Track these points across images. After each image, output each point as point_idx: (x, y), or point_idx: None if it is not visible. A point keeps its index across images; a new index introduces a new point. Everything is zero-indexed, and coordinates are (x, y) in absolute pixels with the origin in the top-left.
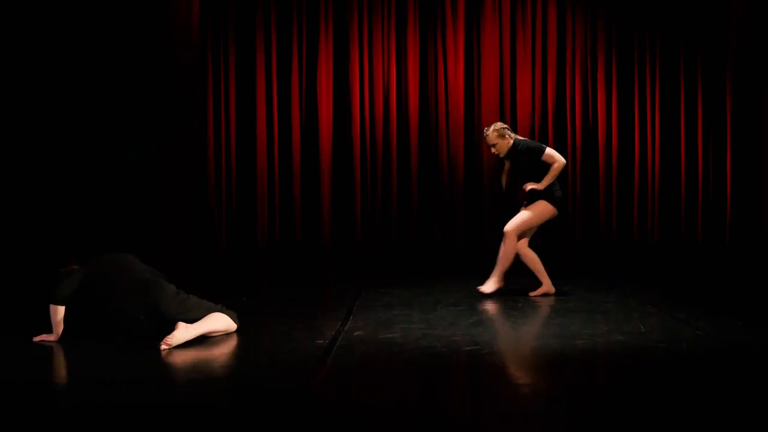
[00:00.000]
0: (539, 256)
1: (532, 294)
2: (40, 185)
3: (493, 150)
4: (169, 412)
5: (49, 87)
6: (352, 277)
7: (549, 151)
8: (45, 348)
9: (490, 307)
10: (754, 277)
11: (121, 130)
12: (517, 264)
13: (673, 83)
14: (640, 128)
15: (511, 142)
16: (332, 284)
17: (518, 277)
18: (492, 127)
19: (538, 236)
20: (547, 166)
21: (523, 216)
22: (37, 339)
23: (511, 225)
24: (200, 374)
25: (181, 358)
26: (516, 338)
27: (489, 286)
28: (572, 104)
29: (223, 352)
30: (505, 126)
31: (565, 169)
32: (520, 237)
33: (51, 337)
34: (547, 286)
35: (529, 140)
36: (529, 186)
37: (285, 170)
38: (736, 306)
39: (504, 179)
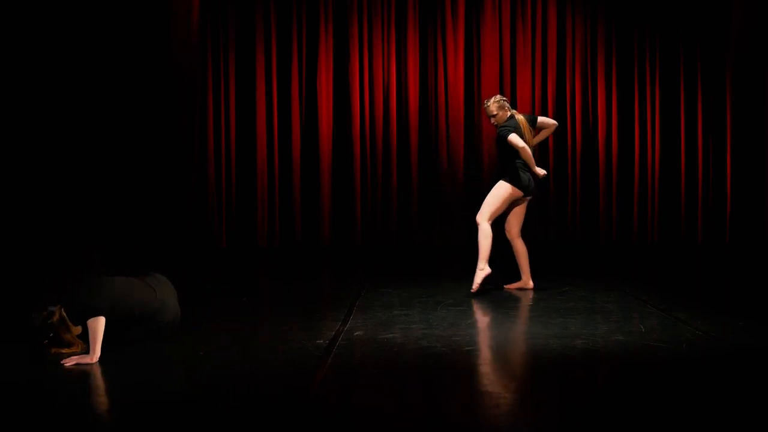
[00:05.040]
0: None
1: (507, 287)
2: (39, 185)
3: (492, 121)
4: (168, 412)
5: (49, 87)
6: (352, 277)
7: (513, 138)
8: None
9: (490, 307)
10: (754, 277)
11: (121, 129)
12: (514, 264)
13: (673, 83)
14: (640, 128)
15: (508, 114)
16: (332, 284)
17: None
18: (492, 99)
19: (540, 235)
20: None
21: (495, 198)
22: (70, 364)
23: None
24: (199, 374)
25: (181, 358)
26: (516, 338)
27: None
28: (572, 104)
29: (223, 352)
30: (505, 99)
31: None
32: (512, 228)
33: (88, 359)
34: (526, 280)
35: (524, 116)
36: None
37: (285, 170)
38: (736, 306)
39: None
